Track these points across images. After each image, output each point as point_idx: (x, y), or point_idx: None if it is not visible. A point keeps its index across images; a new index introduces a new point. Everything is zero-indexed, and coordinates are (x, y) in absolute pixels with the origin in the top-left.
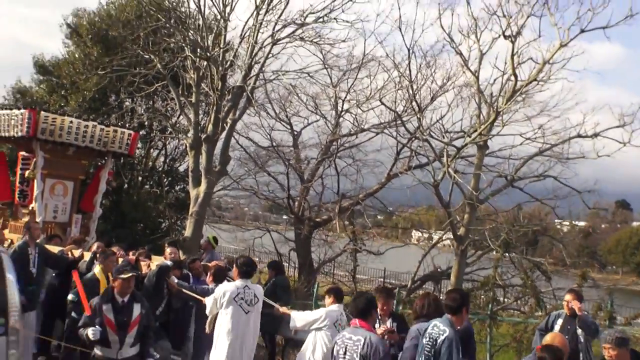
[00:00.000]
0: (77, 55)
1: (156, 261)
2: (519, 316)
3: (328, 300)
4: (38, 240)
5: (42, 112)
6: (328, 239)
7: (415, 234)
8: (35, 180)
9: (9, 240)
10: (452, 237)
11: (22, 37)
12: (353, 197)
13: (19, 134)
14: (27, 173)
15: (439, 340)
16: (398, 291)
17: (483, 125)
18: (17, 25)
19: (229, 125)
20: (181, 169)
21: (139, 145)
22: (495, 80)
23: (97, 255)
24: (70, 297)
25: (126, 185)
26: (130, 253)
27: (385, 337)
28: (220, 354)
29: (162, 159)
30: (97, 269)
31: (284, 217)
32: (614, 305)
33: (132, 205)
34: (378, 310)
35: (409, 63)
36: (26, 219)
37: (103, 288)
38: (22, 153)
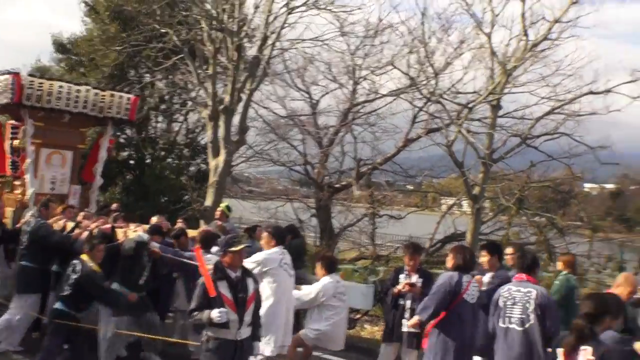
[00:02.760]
0: (95, 33)
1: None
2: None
3: (320, 271)
4: (30, 212)
5: (27, 76)
6: (347, 204)
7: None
8: (26, 150)
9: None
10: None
11: (47, 19)
12: (371, 163)
13: (4, 101)
14: (16, 142)
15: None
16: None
17: (494, 85)
18: (41, 7)
19: (246, 95)
20: (202, 142)
21: (160, 119)
22: (509, 41)
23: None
24: (54, 267)
25: (149, 159)
26: (107, 220)
27: (405, 289)
28: (278, 321)
29: (183, 132)
30: (89, 262)
31: (305, 179)
32: (623, 256)
33: (155, 178)
34: (405, 264)
35: (423, 26)
36: (19, 190)
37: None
38: (12, 122)
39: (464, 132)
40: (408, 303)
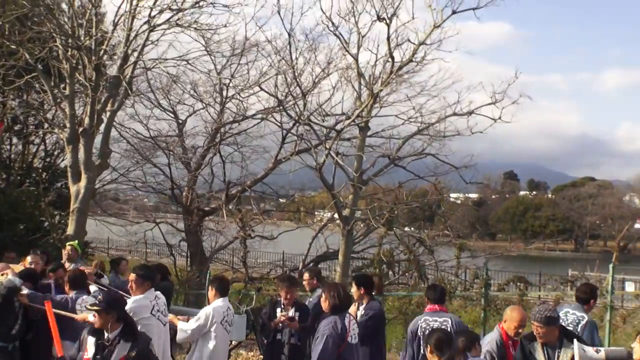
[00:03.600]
0: None
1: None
2: (404, 290)
3: (211, 293)
4: None
5: None
6: (217, 227)
7: (317, 216)
8: None
9: None
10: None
11: None
12: (241, 184)
13: None
14: None
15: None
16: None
17: (362, 107)
18: None
19: (107, 117)
20: (63, 164)
21: (14, 140)
22: (376, 62)
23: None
24: None
25: (3, 185)
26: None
27: (284, 322)
28: None
29: (42, 154)
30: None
31: (173, 203)
32: (488, 272)
33: (9, 206)
34: (282, 299)
35: (290, 47)
36: None
37: None
38: None
39: (333, 154)
40: (286, 337)
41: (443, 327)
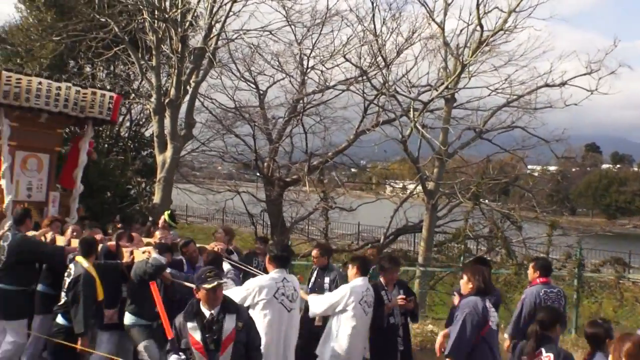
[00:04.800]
0: (30, 21)
1: (142, 243)
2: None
3: (351, 272)
4: (9, 223)
5: (4, 72)
6: (299, 198)
7: (388, 187)
8: (2, 154)
9: None
10: (421, 190)
11: None
12: (322, 156)
13: None
14: None
15: None
16: (371, 246)
17: (449, 78)
18: None
19: (192, 87)
20: (147, 134)
21: None
22: (461, 31)
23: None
24: (39, 287)
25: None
26: (113, 235)
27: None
28: None
29: (127, 124)
30: (84, 262)
31: (255, 173)
32: (582, 252)
33: (99, 174)
34: (384, 280)
35: (373, 16)
36: None
37: (99, 288)
38: None
39: (419, 126)
40: (399, 319)
41: (558, 297)
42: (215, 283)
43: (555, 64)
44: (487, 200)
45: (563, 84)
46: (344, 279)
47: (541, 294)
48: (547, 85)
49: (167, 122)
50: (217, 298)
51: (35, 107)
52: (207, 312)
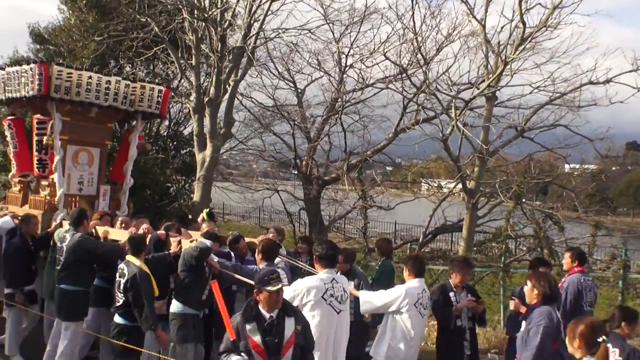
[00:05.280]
0: (72, 22)
1: (190, 236)
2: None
3: (406, 273)
4: (61, 215)
5: (55, 66)
6: (337, 197)
7: (424, 186)
8: (54, 148)
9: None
10: (462, 189)
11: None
12: (361, 154)
13: (30, 93)
14: (44, 139)
15: None
16: (410, 245)
17: (491, 76)
18: None
19: (231, 86)
20: (186, 132)
21: None
22: (502, 28)
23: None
24: (95, 282)
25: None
26: (162, 227)
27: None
28: None
29: (166, 122)
30: (136, 261)
31: (294, 172)
32: (627, 253)
33: (139, 172)
34: (455, 281)
35: (413, 14)
36: (46, 192)
37: (155, 285)
38: (38, 116)
39: (460, 125)
40: (466, 322)
41: (593, 284)
42: (280, 286)
43: (600, 61)
44: (529, 201)
45: (607, 81)
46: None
47: (581, 281)
48: (591, 82)
49: (206, 120)
50: (279, 301)
51: (86, 101)
52: (266, 315)
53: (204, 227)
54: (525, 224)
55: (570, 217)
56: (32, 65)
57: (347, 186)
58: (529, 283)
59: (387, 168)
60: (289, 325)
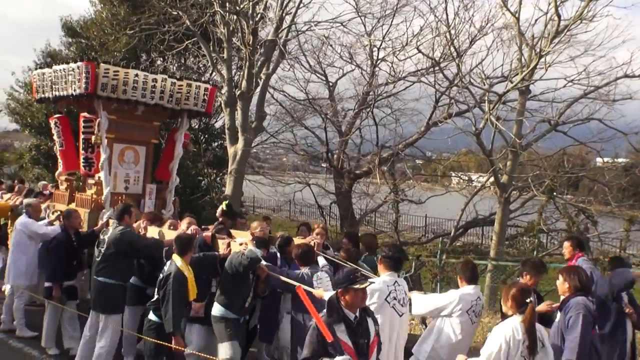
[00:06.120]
0: (104, 15)
1: (238, 238)
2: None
3: (459, 281)
4: (108, 214)
5: (102, 64)
6: (369, 190)
7: (455, 179)
8: (101, 146)
9: (57, 212)
10: (494, 182)
11: None
12: (392, 148)
13: (77, 91)
14: (93, 138)
15: None
16: (441, 239)
17: (525, 69)
18: None
19: (262, 80)
20: (217, 125)
21: None
22: (537, 20)
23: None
24: (132, 280)
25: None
26: (211, 227)
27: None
28: None
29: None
30: (178, 261)
31: (323, 165)
32: None
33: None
34: (527, 282)
35: (446, 6)
36: (93, 190)
37: (191, 287)
38: (84, 114)
39: (493, 118)
40: None
41: (595, 269)
42: (367, 284)
43: (636, 54)
44: (560, 195)
45: None
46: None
47: (585, 265)
48: (626, 75)
49: (238, 114)
50: (365, 299)
51: (132, 100)
52: (350, 315)
53: (254, 225)
54: (557, 218)
55: (603, 212)
56: (78, 63)
57: (378, 180)
58: (560, 277)
59: (418, 162)
60: (372, 325)
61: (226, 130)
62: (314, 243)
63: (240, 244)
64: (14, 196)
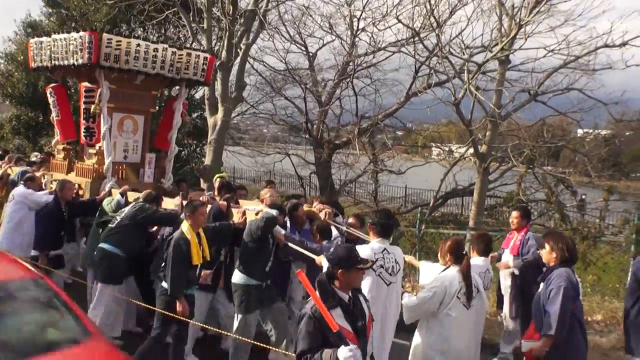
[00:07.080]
0: None
1: (251, 207)
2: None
3: (472, 253)
4: (110, 184)
5: (105, 35)
6: (348, 161)
7: (435, 150)
8: (102, 116)
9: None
10: (473, 153)
11: None
12: (372, 118)
13: (80, 61)
14: (92, 107)
15: None
16: (420, 209)
17: (505, 39)
18: None
19: (242, 50)
20: (197, 95)
21: None
22: None
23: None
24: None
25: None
26: (218, 198)
27: None
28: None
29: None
30: (184, 225)
31: (305, 136)
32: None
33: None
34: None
35: None
36: (93, 160)
37: (195, 252)
38: (85, 84)
39: (472, 88)
40: None
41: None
42: (371, 263)
43: (616, 24)
44: (541, 165)
45: (624, 44)
46: None
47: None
48: (606, 45)
49: (218, 84)
50: (361, 280)
51: (134, 69)
52: (344, 297)
53: (264, 192)
54: (537, 188)
55: (582, 182)
56: (81, 33)
57: (358, 150)
58: (546, 245)
59: (398, 132)
60: (365, 305)
61: (206, 101)
62: (325, 212)
63: (257, 213)
64: (4, 164)
